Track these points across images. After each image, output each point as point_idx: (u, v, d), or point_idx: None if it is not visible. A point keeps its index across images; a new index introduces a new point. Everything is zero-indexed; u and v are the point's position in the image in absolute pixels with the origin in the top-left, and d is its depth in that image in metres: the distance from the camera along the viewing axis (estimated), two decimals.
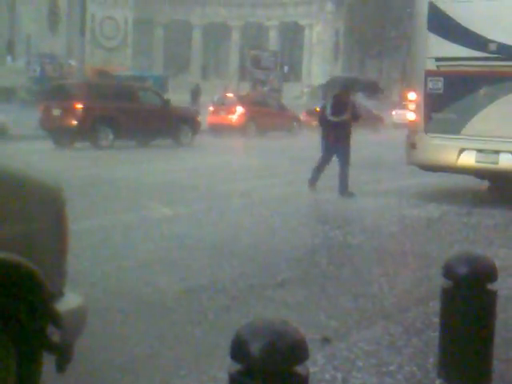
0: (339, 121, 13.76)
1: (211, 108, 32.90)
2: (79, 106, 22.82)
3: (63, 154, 21.67)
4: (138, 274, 7.79)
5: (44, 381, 4.23)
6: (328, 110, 13.99)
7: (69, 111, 22.84)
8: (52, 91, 25.50)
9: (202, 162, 20.12)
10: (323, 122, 14.17)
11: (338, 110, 13.87)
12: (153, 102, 24.87)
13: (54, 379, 4.42)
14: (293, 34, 73.76)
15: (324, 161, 14.03)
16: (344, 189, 13.57)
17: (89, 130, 22.79)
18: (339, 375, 5.00)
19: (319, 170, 14.03)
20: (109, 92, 24.47)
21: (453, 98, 13.31)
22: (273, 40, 71.96)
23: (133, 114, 23.47)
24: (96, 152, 21.95)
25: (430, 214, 11.92)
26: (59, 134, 23.17)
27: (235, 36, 74.98)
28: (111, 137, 23.14)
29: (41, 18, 58.11)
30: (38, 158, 18.79)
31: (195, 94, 47.13)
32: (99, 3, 62.42)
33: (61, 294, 4.29)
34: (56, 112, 23.20)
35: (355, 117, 14.24)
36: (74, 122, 22.74)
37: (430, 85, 13.58)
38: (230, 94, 37.64)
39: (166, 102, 25.48)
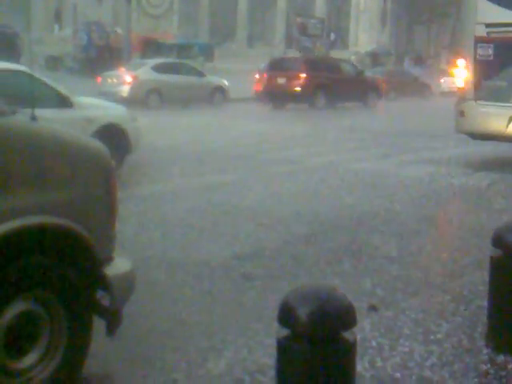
0: None
1: (257, 76, 32.73)
2: (302, 75, 28.63)
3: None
4: (184, 241, 7.84)
5: (93, 344, 4.30)
6: None
7: (293, 80, 28.64)
8: (274, 63, 31.58)
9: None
10: None
11: None
12: (350, 72, 30.82)
13: (103, 343, 4.49)
14: (339, 0, 72.91)
15: None
16: None
17: (309, 95, 28.36)
18: (386, 342, 5.00)
19: None
20: (320, 65, 30.54)
21: (503, 64, 13.06)
22: (319, 7, 71.21)
23: (338, 82, 29.09)
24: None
25: (478, 183, 11.77)
26: (280, 98, 28.75)
27: (281, 3, 74.36)
28: (323, 100, 28.67)
29: None
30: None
31: None
32: None
33: (110, 259, 4.34)
34: (280, 80, 28.98)
35: None
36: (298, 89, 28.54)
37: (479, 51, 13.37)
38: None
39: (360, 73, 31.40)
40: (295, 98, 28.75)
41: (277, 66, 30.73)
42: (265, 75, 30.22)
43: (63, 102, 11.43)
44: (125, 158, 12.10)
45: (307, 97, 28.46)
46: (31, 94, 10.99)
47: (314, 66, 29.96)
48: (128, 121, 12.50)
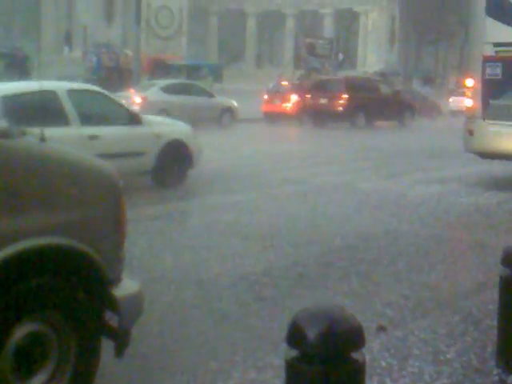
0: None
1: (265, 96, 32.82)
2: (344, 96, 29.91)
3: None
4: (193, 261, 7.84)
5: (102, 365, 4.29)
6: None
7: (335, 100, 29.94)
8: (315, 85, 33.21)
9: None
10: None
11: None
12: (387, 92, 31.90)
13: (111, 363, 4.49)
14: (348, 21, 73.19)
15: None
16: None
17: (349, 114, 29.48)
18: (395, 363, 4.97)
19: None
20: (359, 85, 31.59)
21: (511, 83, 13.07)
22: (328, 28, 71.47)
23: (376, 101, 30.20)
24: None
25: (488, 202, 11.74)
26: (321, 117, 30.01)
27: (290, 24, 74.67)
28: (363, 119, 29.74)
29: (97, 9, 58.72)
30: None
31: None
32: None
33: (118, 279, 4.34)
34: (323, 100, 30.22)
35: None
36: (340, 108, 29.75)
37: (488, 70, 13.36)
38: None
39: (396, 92, 32.77)
40: (337, 117, 30.06)
41: (319, 87, 32.46)
42: (307, 95, 31.60)
43: (134, 120, 12.39)
44: (188, 172, 13.04)
45: (348, 116, 29.71)
46: (106, 113, 12.21)
47: (355, 86, 31.10)
48: (191, 137, 13.32)
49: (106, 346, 4.34)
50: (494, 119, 13.23)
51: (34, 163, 3.99)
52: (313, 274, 7.35)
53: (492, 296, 6.01)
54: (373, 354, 5.01)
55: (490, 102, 13.35)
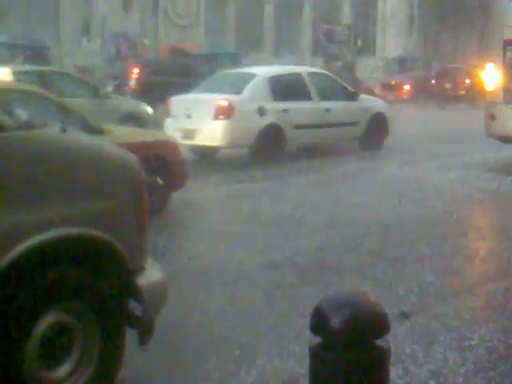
0: None
1: None
2: (467, 81, 34.59)
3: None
4: (215, 249, 7.85)
5: (127, 354, 4.31)
6: None
7: (459, 85, 34.55)
8: (441, 70, 37.01)
9: None
10: None
11: None
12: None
13: (136, 353, 4.50)
14: (366, 6, 72.72)
15: None
16: None
17: (471, 97, 32.11)
18: (420, 349, 4.96)
19: None
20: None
21: None
22: (346, 14, 71.03)
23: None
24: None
25: (510, 187, 11.65)
26: (446, 99, 32.40)
27: (307, 10, 74.34)
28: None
29: None
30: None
31: None
32: None
33: (142, 269, 4.35)
34: (447, 85, 34.48)
35: None
36: (463, 92, 34.15)
37: (509, 54, 13.24)
38: None
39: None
40: (459, 99, 32.91)
41: (443, 74, 36.33)
42: (432, 81, 35.59)
43: (351, 97, 15.84)
44: (385, 140, 16.11)
45: (469, 99, 32.22)
46: (333, 90, 15.66)
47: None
48: (387, 111, 16.65)
49: (131, 336, 4.36)
50: None
51: (55, 154, 4.00)
52: (335, 261, 7.33)
53: None
54: (397, 340, 5.00)
55: None
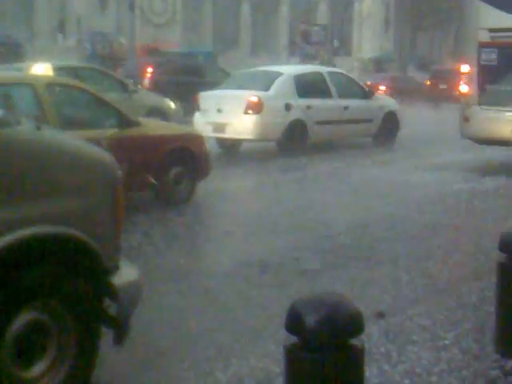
0: None
1: None
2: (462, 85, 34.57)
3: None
4: (190, 250, 7.84)
5: (101, 354, 4.30)
6: None
7: (453, 86, 34.15)
8: (436, 72, 38.56)
9: None
10: None
11: None
12: None
13: (110, 352, 4.49)
14: (342, 7, 72.94)
15: None
16: None
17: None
18: (394, 348, 4.98)
19: None
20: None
21: (507, 69, 13.06)
22: (322, 14, 71.22)
23: None
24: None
25: (484, 188, 11.74)
26: (440, 99, 32.17)
27: (284, 10, 74.41)
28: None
29: None
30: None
31: None
32: None
33: (116, 267, 4.33)
34: (442, 86, 35.36)
35: None
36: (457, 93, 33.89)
37: (483, 56, 13.37)
38: None
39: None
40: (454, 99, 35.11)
41: (437, 75, 37.77)
42: (428, 82, 37.18)
43: (366, 95, 16.77)
44: (396, 136, 17.19)
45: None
46: (350, 89, 16.41)
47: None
48: (398, 108, 17.62)
49: (106, 335, 4.34)
50: (489, 105, 13.22)
51: (31, 151, 3.97)
52: (310, 262, 7.34)
53: (490, 282, 6.02)
54: (372, 340, 5.02)
55: (486, 87, 13.35)
